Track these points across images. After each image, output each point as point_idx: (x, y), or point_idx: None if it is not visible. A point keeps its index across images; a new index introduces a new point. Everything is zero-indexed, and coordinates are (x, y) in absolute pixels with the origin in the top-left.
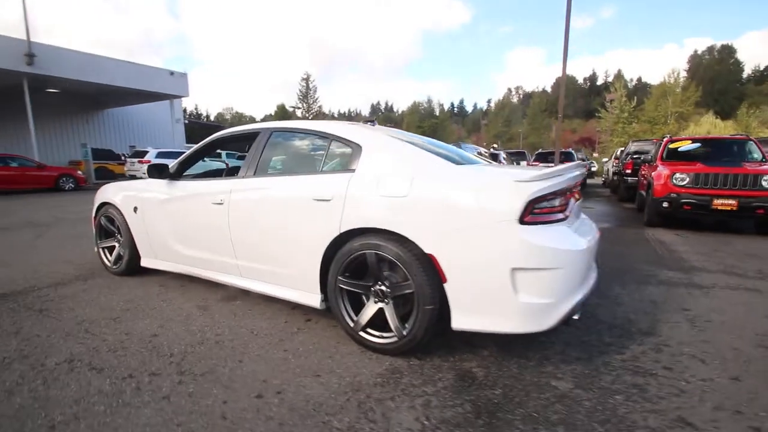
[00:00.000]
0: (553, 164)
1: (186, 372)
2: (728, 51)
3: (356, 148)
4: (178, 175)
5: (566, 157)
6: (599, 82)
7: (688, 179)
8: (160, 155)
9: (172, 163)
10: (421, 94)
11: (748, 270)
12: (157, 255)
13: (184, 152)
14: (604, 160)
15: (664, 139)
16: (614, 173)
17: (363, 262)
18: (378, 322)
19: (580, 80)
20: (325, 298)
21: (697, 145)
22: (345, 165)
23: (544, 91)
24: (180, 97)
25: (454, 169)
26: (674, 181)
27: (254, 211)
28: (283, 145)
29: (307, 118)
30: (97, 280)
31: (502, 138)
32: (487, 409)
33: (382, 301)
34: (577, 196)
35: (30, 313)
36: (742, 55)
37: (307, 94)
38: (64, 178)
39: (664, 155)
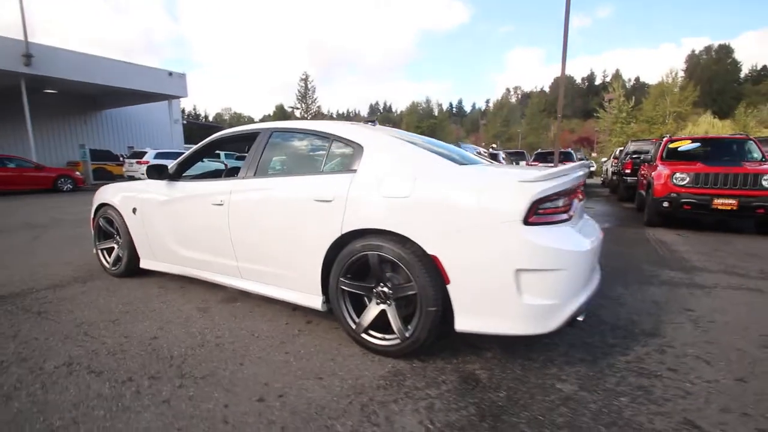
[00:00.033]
0: (552, 164)
1: (186, 375)
2: (726, 51)
3: (357, 149)
4: (177, 175)
5: (565, 157)
6: (597, 82)
7: (688, 179)
8: (158, 156)
9: (171, 164)
10: (419, 95)
11: (749, 270)
12: (156, 256)
13: (182, 153)
14: (603, 159)
15: (664, 139)
16: (613, 173)
17: (365, 264)
18: (380, 324)
19: (578, 80)
20: (327, 300)
21: (697, 144)
22: (346, 165)
23: (542, 91)
24: (178, 97)
25: (456, 169)
26: (674, 180)
27: (255, 212)
28: (283, 145)
29: (306, 119)
30: (96, 281)
31: (500, 138)
32: (491, 412)
33: (385, 303)
34: (580, 196)
35: (28, 316)
36: (739, 54)
37: (305, 95)
38: (63, 179)
39: (664, 155)
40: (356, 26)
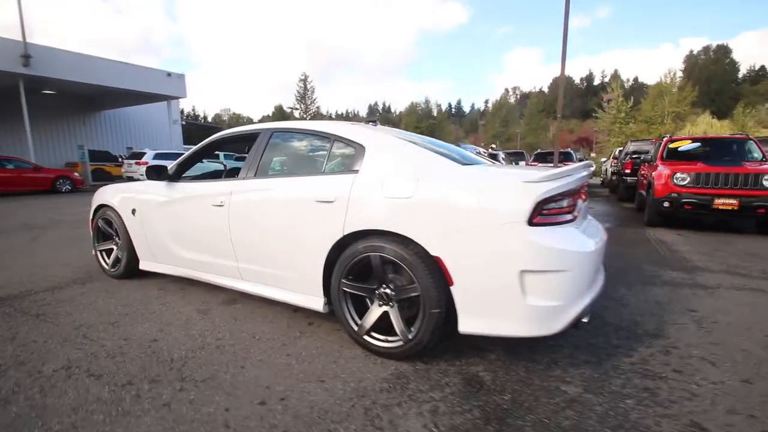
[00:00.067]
0: (552, 164)
1: (187, 378)
2: (724, 51)
3: (359, 149)
4: (177, 176)
5: (565, 157)
6: (596, 82)
7: (688, 179)
8: (157, 157)
9: (170, 165)
10: (418, 95)
11: (751, 270)
12: (156, 258)
13: (181, 154)
14: (603, 160)
15: (664, 139)
16: (613, 173)
17: (367, 265)
18: (382, 325)
19: (577, 80)
20: (329, 302)
21: (697, 144)
22: (348, 166)
23: (541, 91)
24: (177, 98)
25: (459, 169)
26: (675, 180)
27: (255, 212)
28: (284, 145)
29: (305, 119)
30: (95, 283)
31: (499, 138)
32: (496, 415)
33: (387, 305)
34: (584, 196)
35: (26, 318)
36: (737, 55)
37: (304, 95)
38: (61, 180)
39: (664, 155)
40: (355, 26)
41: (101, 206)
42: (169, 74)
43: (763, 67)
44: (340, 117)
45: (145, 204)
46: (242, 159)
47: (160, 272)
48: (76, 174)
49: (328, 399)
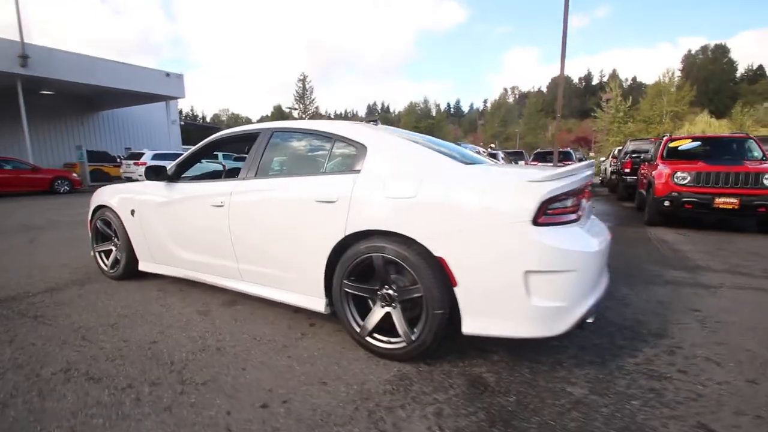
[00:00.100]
0: (551, 163)
1: (187, 381)
2: (722, 50)
3: (361, 149)
4: (176, 177)
5: (564, 157)
6: (594, 81)
7: (689, 178)
8: (156, 157)
9: (169, 165)
10: (417, 95)
11: (753, 269)
12: (155, 259)
13: (180, 154)
14: (602, 159)
15: (664, 138)
16: (612, 172)
17: (369, 266)
18: (385, 326)
19: (576, 80)
20: (330, 303)
21: (698, 143)
22: (349, 166)
23: (539, 91)
24: (176, 98)
25: (463, 169)
26: (675, 179)
27: (256, 213)
28: (284, 145)
29: (304, 119)
30: (94, 284)
31: (498, 138)
32: (501, 417)
33: (390, 306)
34: (588, 196)
35: (24, 320)
36: (735, 54)
37: (303, 95)
38: (59, 181)
39: (665, 154)
40: (355, 26)
41: (100, 207)
42: (167, 74)
43: (761, 67)
44: (338, 117)
45: (144, 205)
46: (241, 159)
47: (160, 273)
48: (74, 175)
49: (330, 401)
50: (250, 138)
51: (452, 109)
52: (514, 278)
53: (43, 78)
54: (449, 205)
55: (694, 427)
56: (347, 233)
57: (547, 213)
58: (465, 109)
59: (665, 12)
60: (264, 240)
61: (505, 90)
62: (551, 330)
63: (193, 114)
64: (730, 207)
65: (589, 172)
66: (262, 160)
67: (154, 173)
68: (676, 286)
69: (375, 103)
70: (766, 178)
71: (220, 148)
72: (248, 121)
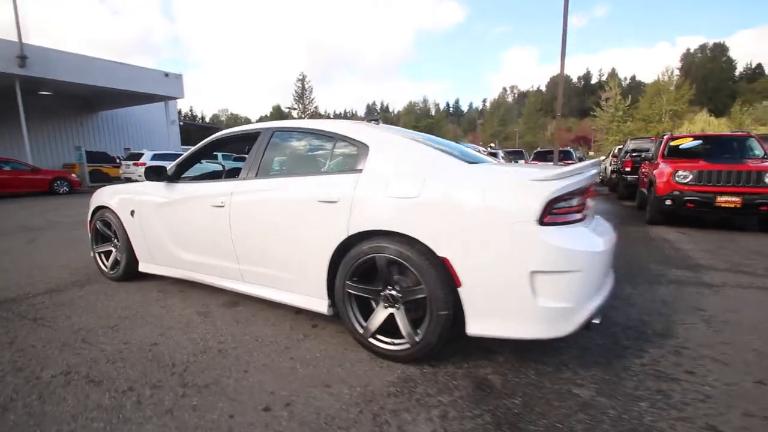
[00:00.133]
0: (552, 163)
1: (189, 384)
2: (720, 49)
3: (363, 148)
4: (176, 177)
5: (565, 156)
6: (593, 80)
7: (691, 176)
8: (155, 157)
9: (169, 165)
10: (417, 95)
11: (756, 268)
12: (155, 260)
13: (179, 154)
14: (602, 158)
15: (665, 137)
16: (613, 171)
17: (372, 266)
18: (388, 328)
19: (575, 79)
20: (333, 304)
21: (699, 142)
22: (351, 165)
23: (538, 90)
24: (175, 98)
25: (466, 168)
26: (677, 178)
27: (257, 213)
28: (285, 145)
29: (303, 119)
30: (94, 286)
31: (498, 137)
32: (507, 419)
33: (393, 306)
34: (593, 195)
35: (24, 322)
36: (734, 53)
37: (302, 95)
38: (59, 182)
39: (666, 153)
40: (354, 26)
41: (99, 208)
42: (166, 74)
43: (759, 65)
44: (338, 116)
45: (144, 205)
46: (241, 159)
47: (160, 274)
48: (73, 175)
49: (334, 404)
50: (250, 138)
51: (451, 109)
52: (519, 278)
53: (42, 78)
54: (453, 204)
55: (702, 429)
56: (350, 233)
57: (553, 212)
58: (464, 108)
59: (663, 11)
60: (265, 240)
61: (505, 89)
62: (558, 331)
63: (192, 114)
64: (732, 206)
65: (594, 171)
66: (263, 159)
67: (154, 173)
68: (680, 285)
69: (374, 103)
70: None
71: (220, 148)
72: (247, 122)
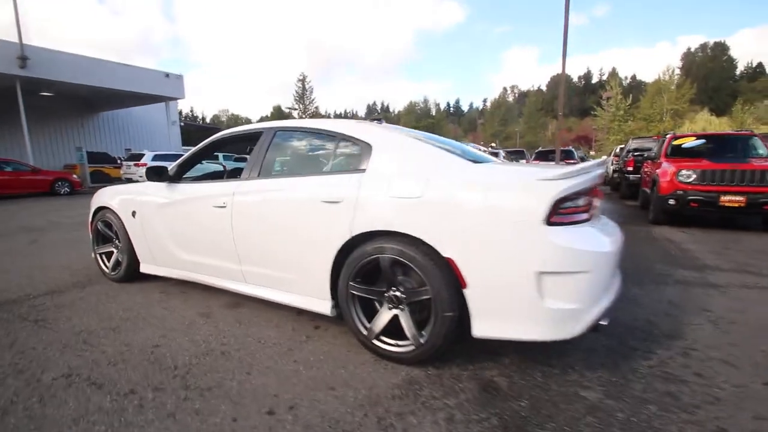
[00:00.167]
0: (554, 162)
1: (191, 386)
2: (721, 48)
3: (366, 147)
4: (177, 177)
5: (566, 155)
6: (594, 80)
7: (694, 176)
8: (156, 158)
9: (170, 166)
10: (417, 95)
11: (762, 268)
12: (156, 261)
13: (180, 155)
14: (604, 158)
15: (668, 136)
16: (615, 171)
17: (376, 267)
18: (392, 329)
19: (575, 79)
20: (336, 305)
21: (702, 141)
22: (354, 165)
23: (539, 90)
24: (176, 99)
25: (471, 167)
26: (680, 177)
27: (259, 214)
28: (287, 145)
29: (305, 119)
30: (95, 287)
31: (498, 137)
32: (515, 423)
33: (397, 308)
34: (599, 195)
35: (25, 324)
36: (735, 52)
37: (303, 95)
38: (60, 182)
39: (669, 152)
40: (354, 26)
41: (100, 208)
42: (167, 75)
43: (760, 64)
44: (338, 117)
45: (145, 206)
46: (241, 160)
47: (161, 275)
48: (74, 176)
49: (338, 407)
50: (252, 138)
51: (452, 109)
52: (526, 279)
53: (43, 79)
54: (458, 204)
55: None
56: (353, 234)
57: (560, 212)
58: (465, 108)
59: (664, 11)
60: (267, 241)
61: (505, 89)
62: (565, 333)
63: (193, 115)
64: (737, 205)
65: (601, 171)
66: (265, 159)
67: (155, 174)
68: (686, 285)
69: (375, 103)
70: None
71: (221, 148)
72: (248, 122)
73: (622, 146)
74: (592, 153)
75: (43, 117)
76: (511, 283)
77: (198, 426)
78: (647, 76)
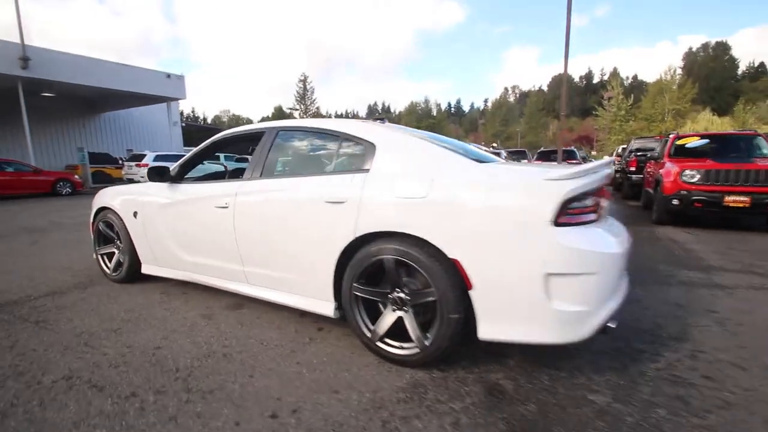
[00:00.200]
0: (556, 162)
1: (193, 389)
2: (723, 48)
3: (370, 147)
4: (179, 178)
5: (569, 155)
6: (595, 80)
7: (698, 176)
8: (157, 158)
9: (172, 166)
10: (418, 95)
11: None
12: (158, 261)
13: (182, 155)
14: (611, 157)
15: (671, 136)
16: (617, 171)
17: (380, 268)
18: (397, 331)
19: (576, 79)
20: (339, 306)
21: (706, 141)
22: (358, 165)
23: (540, 90)
24: (177, 99)
25: (477, 167)
26: (684, 177)
27: (261, 214)
28: (290, 145)
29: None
30: (96, 288)
31: (500, 137)
32: (523, 427)
33: (401, 309)
34: (607, 195)
35: (26, 325)
36: (736, 52)
37: (304, 96)
38: (61, 183)
39: (672, 152)
40: (355, 26)
41: (102, 209)
42: (168, 75)
43: (762, 64)
44: (339, 117)
45: (146, 206)
46: (243, 160)
47: (163, 276)
48: (76, 176)
49: (342, 411)
50: (254, 137)
51: (453, 109)
52: (533, 281)
53: (44, 80)
54: (463, 204)
55: None
56: (357, 235)
57: (568, 213)
58: (466, 108)
59: (665, 10)
60: (270, 242)
61: (506, 89)
62: (573, 335)
63: (194, 115)
64: (741, 205)
65: (608, 171)
66: (267, 159)
67: (157, 174)
68: (691, 286)
69: (375, 103)
70: None
71: (223, 149)
72: (249, 122)
73: (624, 146)
74: (593, 153)
75: (45, 117)
76: (517, 284)
77: (200, 430)
78: (649, 76)
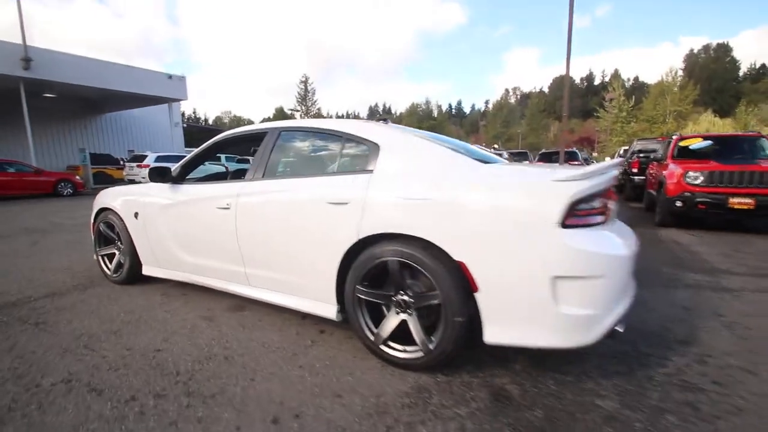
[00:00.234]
0: (557, 164)
1: (194, 393)
2: (724, 49)
3: (373, 148)
4: (180, 178)
5: (570, 157)
6: (596, 81)
7: (702, 177)
8: (159, 159)
9: (174, 167)
10: (419, 96)
11: None
12: (159, 263)
13: (183, 156)
14: (608, 159)
15: (674, 137)
16: (619, 172)
17: (383, 270)
18: (400, 334)
19: (577, 80)
20: (342, 309)
21: (709, 142)
22: (362, 166)
23: (541, 91)
24: (178, 100)
25: (482, 168)
26: (688, 179)
27: (264, 215)
28: (292, 145)
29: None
30: (97, 289)
31: (500, 138)
32: None
33: (405, 312)
34: (614, 197)
35: (25, 327)
36: (738, 53)
37: (305, 97)
38: (63, 184)
39: (675, 153)
40: (355, 27)
41: (103, 210)
42: (169, 76)
43: (763, 66)
44: (340, 118)
45: (148, 207)
46: (243, 161)
47: (164, 277)
48: (77, 177)
49: (346, 416)
50: (256, 138)
51: (454, 110)
52: (540, 284)
53: (46, 81)
54: (469, 206)
55: None
56: (361, 236)
57: (575, 215)
58: (467, 110)
59: (666, 12)
60: (272, 243)
61: (507, 90)
62: (580, 340)
63: (195, 116)
64: (746, 207)
65: (615, 172)
66: (269, 160)
67: (159, 175)
68: (698, 289)
69: (376, 105)
70: None
71: (225, 149)
72: (250, 123)
73: (626, 148)
74: (594, 154)
75: (46, 118)
76: (524, 287)
77: None
78: (650, 77)
